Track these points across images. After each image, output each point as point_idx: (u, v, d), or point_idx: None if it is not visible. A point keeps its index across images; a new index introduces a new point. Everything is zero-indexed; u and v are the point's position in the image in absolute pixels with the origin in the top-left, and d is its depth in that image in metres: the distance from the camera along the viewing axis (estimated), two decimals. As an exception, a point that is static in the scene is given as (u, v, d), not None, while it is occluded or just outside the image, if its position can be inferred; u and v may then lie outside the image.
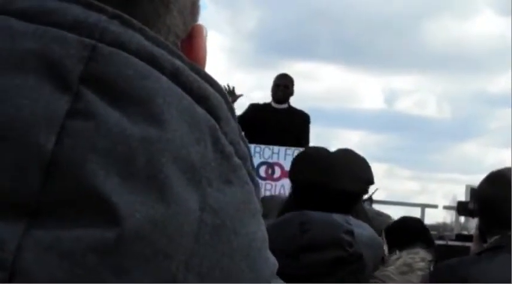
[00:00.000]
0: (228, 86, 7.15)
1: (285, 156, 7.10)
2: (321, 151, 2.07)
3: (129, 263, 0.51)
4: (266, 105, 7.27)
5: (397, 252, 1.81)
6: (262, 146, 7.05)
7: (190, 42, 0.70)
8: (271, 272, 0.61)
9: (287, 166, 6.88)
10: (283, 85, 7.19)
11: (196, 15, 0.72)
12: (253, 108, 7.26)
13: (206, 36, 0.72)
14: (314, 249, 1.74)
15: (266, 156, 7.09)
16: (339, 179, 1.91)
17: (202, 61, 0.70)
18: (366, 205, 2.47)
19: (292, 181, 2.07)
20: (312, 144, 7.29)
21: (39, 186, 0.52)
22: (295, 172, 2.05)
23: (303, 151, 2.26)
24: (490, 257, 2.29)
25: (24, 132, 0.52)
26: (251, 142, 7.04)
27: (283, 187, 6.86)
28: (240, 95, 7.27)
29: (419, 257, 1.80)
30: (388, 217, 3.18)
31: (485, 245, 2.48)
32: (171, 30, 0.67)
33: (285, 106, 7.23)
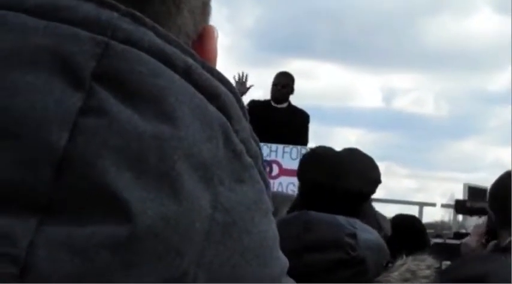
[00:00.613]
0: (242, 74, 7.11)
1: (282, 153, 7.10)
2: (328, 151, 2.06)
3: (140, 259, 0.51)
4: (266, 103, 7.24)
5: (404, 257, 1.79)
6: (260, 144, 7.04)
7: (201, 43, 0.70)
8: (282, 271, 0.61)
9: (285, 164, 6.95)
10: (280, 85, 7.17)
11: (208, 16, 0.72)
12: (253, 105, 7.25)
13: (217, 37, 0.72)
14: (316, 249, 1.74)
15: (264, 153, 7.01)
16: (346, 179, 1.90)
17: (213, 62, 0.71)
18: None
19: (300, 181, 2.06)
20: (310, 142, 7.29)
21: (51, 182, 0.52)
22: (302, 172, 2.04)
23: (310, 151, 2.27)
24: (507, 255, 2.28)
25: (36, 129, 0.52)
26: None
27: (281, 184, 6.86)
28: (251, 86, 7.24)
29: (425, 265, 1.78)
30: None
31: (491, 243, 2.49)
32: (182, 30, 0.67)
33: (284, 105, 7.21)
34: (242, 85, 7.05)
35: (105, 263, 0.51)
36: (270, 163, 7.08)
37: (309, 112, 7.42)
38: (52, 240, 0.51)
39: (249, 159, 0.59)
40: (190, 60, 0.58)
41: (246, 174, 0.58)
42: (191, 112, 0.56)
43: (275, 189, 6.75)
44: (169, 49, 0.58)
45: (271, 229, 0.60)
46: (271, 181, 6.97)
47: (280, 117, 7.06)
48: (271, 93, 7.21)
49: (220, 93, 0.59)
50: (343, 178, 1.90)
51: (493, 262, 2.27)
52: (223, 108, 0.58)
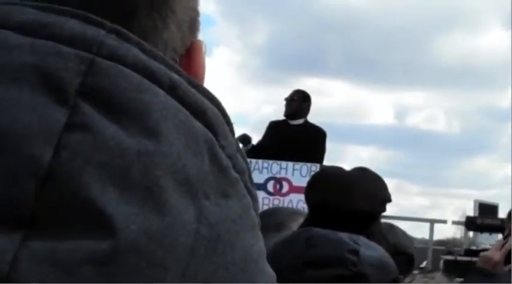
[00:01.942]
0: (245, 136, 7.16)
1: (293, 171, 7.09)
2: (337, 171, 2.06)
3: (124, 274, 0.51)
4: (283, 121, 7.26)
5: (412, 273, 1.78)
6: (270, 161, 7.05)
7: (189, 58, 0.71)
8: None
9: (295, 181, 6.94)
10: (289, 99, 7.19)
11: (196, 31, 0.72)
12: (271, 126, 7.27)
13: (205, 52, 0.72)
14: (318, 265, 1.74)
15: (274, 171, 7.08)
16: (353, 199, 1.91)
17: (200, 77, 0.71)
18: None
19: (307, 200, 2.06)
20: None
21: (35, 197, 0.52)
22: (310, 193, 2.04)
23: (319, 171, 2.28)
24: None
25: (20, 144, 0.52)
26: (269, 158, 7.04)
27: (291, 202, 6.85)
28: (253, 145, 7.27)
29: (434, 282, 1.77)
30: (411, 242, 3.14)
31: None
32: (169, 45, 0.67)
33: (300, 121, 7.21)
34: (247, 142, 7.12)
35: (88, 278, 0.51)
36: (280, 181, 7.08)
37: (320, 129, 7.41)
38: (36, 255, 0.51)
39: (235, 174, 0.59)
40: (175, 76, 0.59)
41: (231, 189, 0.58)
42: (176, 128, 0.56)
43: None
44: (155, 65, 0.58)
45: (256, 243, 0.60)
46: (281, 198, 6.97)
47: (297, 134, 7.06)
48: (286, 107, 7.22)
49: (206, 109, 0.59)
50: (350, 199, 1.90)
51: None
52: (208, 124, 0.59)
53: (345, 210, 1.89)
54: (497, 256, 2.64)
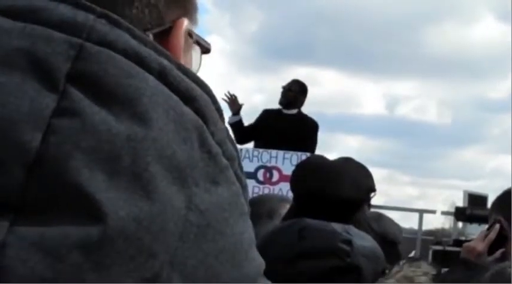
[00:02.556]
0: (230, 94, 7.14)
1: (283, 160, 7.09)
2: (322, 160, 2.06)
3: (112, 260, 0.51)
4: (277, 111, 7.24)
5: (400, 264, 1.78)
6: (261, 150, 7.04)
7: (167, 35, 0.69)
8: (258, 272, 0.61)
9: (285, 170, 6.93)
10: (286, 89, 7.18)
11: (178, 9, 0.70)
12: (265, 114, 7.25)
13: (185, 30, 0.70)
14: (311, 257, 1.73)
15: (264, 159, 7.07)
16: (338, 187, 1.90)
17: (177, 54, 0.69)
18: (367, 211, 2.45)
19: (292, 189, 2.06)
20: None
21: (23, 183, 0.51)
22: (295, 181, 2.04)
23: (303, 160, 2.27)
24: None
25: (9, 129, 0.52)
26: (260, 146, 7.03)
27: (281, 190, 6.84)
28: (243, 104, 7.25)
29: (421, 271, 1.77)
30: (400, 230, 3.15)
31: (499, 251, 2.52)
32: (134, 22, 0.65)
33: (294, 111, 7.20)
34: (235, 105, 7.07)
35: (76, 263, 0.50)
36: (270, 169, 7.08)
37: (311, 119, 7.41)
38: (24, 240, 0.50)
39: (225, 161, 0.59)
40: (165, 62, 0.58)
41: (221, 176, 0.58)
42: (165, 113, 0.56)
43: (275, 195, 6.74)
44: (144, 51, 0.58)
45: (246, 230, 0.60)
46: (271, 187, 6.97)
47: (289, 124, 7.06)
48: (282, 96, 7.20)
49: (196, 95, 0.59)
50: (335, 187, 1.90)
51: None
52: (198, 110, 0.58)
53: (330, 197, 1.88)
54: (480, 246, 2.65)
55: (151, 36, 0.67)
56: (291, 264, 1.69)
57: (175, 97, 0.57)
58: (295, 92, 7.17)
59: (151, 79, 0.57)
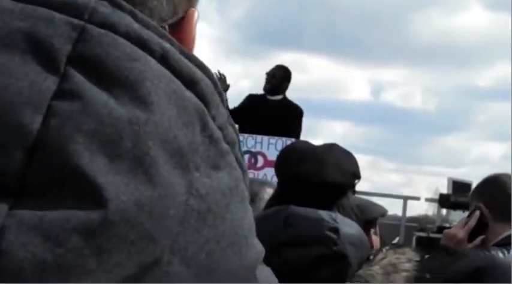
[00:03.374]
0: (219, 73, 7.12)
1: (268, 145, 7.09)
2: (306, 145, 2.05)
3: (113, 245, 0.51)
4: (262, 96, 7.23)
5: (384, 251, 1.78)
6: (246, 135, 7.03)
7: (180, 26, 0.70)
8: (257, 258, 0.61)
9: (270, 156, 6.94)
10: (270, 75, 7.17)
11: (193, 1, 0.72)
12: (250, 99, 7.24)
13: (196, 20, 0.72)
14: (297, 245, 1.72)
15: (249, 145, 7.08)
16: (323, 172, 1.89)
17: (190, 45, 0.70)
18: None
19: (277, 174, 2.05)
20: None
21: (23, 166, 0.51)
22: (279, 166, 2.03)
23: (288, 145, 2.27)
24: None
25: (9, 111, 0.52)
26: (244, 132, 7.03)
27: (265, 176, 6.85)
28: (229, 85, 7.24)
29: (405, 258, 1.77)
30: (382, 207, 3.16)
31: (479, 237, 2.55)
32: (154, 13, 0.66)
33: (279, 97, 7.19)
34: (223, 83, 7.06)
35: (76, 248, 0.50)
36: (255, 155, 7.08)
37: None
38: (23, 224, 0.50)
39: (226, 146, 0.59)
40: (167, 45, 0.58)
41: (222, 161, 0.58)
42: (167, 97, 0.55)
43: (260, 181, 6.74)
44: (147, 34, 0.57)
45: (246, 216, 0.60)
46: (256, 172, 6.97)
47: (274, 110, 7.05)
48: (266, 82, 7.19)
49: (198, 79, 0.58)
50: (319, 171, 1.89)
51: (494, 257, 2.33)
52: (200, 94, 0.58)
53: (315, 181, 1.87)
54: (460, 233, 2.67)
55: (167, 28, 0.68)
56: (276, 252, 1.68)
57: (177, 81, 0.57)
58: (279, 78, 7.17)
59: (153, 62, 0.56)
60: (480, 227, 2.65)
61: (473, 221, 2.64)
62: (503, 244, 2.49)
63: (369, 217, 2.45)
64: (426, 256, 2.79)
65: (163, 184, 0.53)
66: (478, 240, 2.65)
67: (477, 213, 2.64)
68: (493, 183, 2.71)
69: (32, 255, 0.49)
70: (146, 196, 0.52)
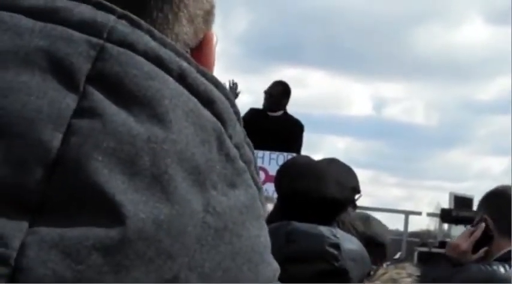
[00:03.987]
0: (233, 82, 7.16)
1: (269, 160, 7.09)
2: (306, 160, 2.05)
3: (132, 262, 0.51)
4: (263, 112, 7.23)
5: (384, 265, 1.78)
6: (249, 150, 7.03)
7: (201, 49, 0.71)
8: (273, 276, 0.61)
9: (271, 171, 6.94)
10: (268, 93, 7.17)
11: (210, 23, 0.73)
12: (251, 113, 7.24)
13: (216, 43, 0.73)
14: (299, 260, 1.72)
15: (250, 160, 7.07)
16: (322, 187, 1.89)
17: (210, 67, 0.72)
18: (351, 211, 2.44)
19: (276, 189, 2.05)
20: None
21: (43, 183, 0.51)
22: (279, 181, 2.03)
23: (288, 160, 2.27)
24: None
25: (30, 129, 0.52)
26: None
27: (267, 191, 6.83)
28: (239, 92, 7.28)
29: (406, 273, 1.77)
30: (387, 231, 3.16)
31: (482, 249, 2.54)
32: (180, 38, 0.68)
33: (279, 113, 7.19)
34: (233, 91, 7.09)
35: (96, 265, 0.50)
36: (256, 170, 7.07)
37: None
38: (43, 241, 0.50)
39: (242, 164, 0.59)
40: (184, 64, 0.58)
41: (238, 179, 0.58)
42: (185, 115, 0.56)
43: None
44: (164, 52, 0.58)
45: (262, 234, 0.60)
46: (257, 187, 6.96)
47: (274, 125, 7.05)
48: (265, 100, 7.19)
49: (215, 98, 0.59)
50: (319, 186, 1.89)
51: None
52: (217, 113, 0.58)
53: (315, 196, 1.87)
54: (464, 245, 2.64)
55: (189, 51, 0.69)
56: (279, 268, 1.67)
57: (194, 100, 0.57)
58: (277, 96, 7.16)
59: (171, 81, 0.57)
60: (484, 239, 2.62)
61: (478, 233, 2.62)
62: (505, 259, 2.47)
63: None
64: (428, 266, 2.78)
65: (180, 202, 0.54)
66: (481, 252, 2.63)
67: (482, 225, 2.61)
68: (499, 195, 2.68)
69: (52, 272, 0.50)
70: (164, 214, 0.53)
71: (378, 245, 2.82)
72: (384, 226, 3.09)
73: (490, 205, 2.68)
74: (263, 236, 0.60)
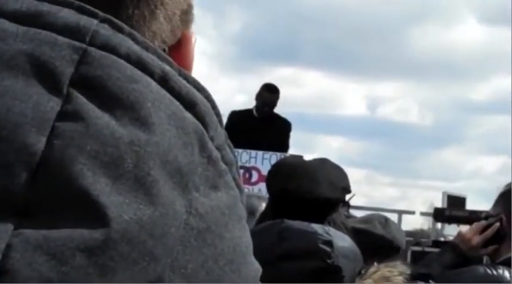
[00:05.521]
0: None
1: (262, 160, 7.09)
2: (297, 160, 2.06)
3: (116, 263, 0.52)
4: (247, 112, 7.21)
5: (375, 264, 1.79)
6: (240, 150, 7.03)
7: (179, 48, 0.72)
8: (255, 276, 0.62)
9: (264, 171, 6.94)
10: (259, 102, 7.09)
11: (189, 23, 0.74)
12: (234, 115, 7.21)
13: (195, 43, 0.74)
14: (292, 258, 1.73)
15: (243, 160, 7.07)
16: (313, 187, 1.89)
17: (188, 67, 0.72)
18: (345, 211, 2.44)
19: (268, 189, 2.05)
20: (293, 149, 7.30)
21: (28, 185, 0.52)
22: (271, 181, 2.03)
23: (279, 160, 2.28)
24: None
25: (14, 132, 0.52)
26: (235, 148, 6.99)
27: (260, 191, 6.85)
28: None
29: (397, 271, 1.78)
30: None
31: (491, 247, 2.52)
32: (157, 35, 0.68)
33: (267, 113, 7.16)
34: None
35: (80, 266, 0.51)
36: (249, 170, 7.07)
37: (292, 119, 7.41)
38: (29, 243, 0.51)
39: (224, 166, 0.60)
40: (167, 67, 0.59)
41: (220, 181, 0.59)
42: (167, 118, 0.57)
43: (254, 196, 6.73)
44: (147, 56, 0.58)
45: (244, 235, 0.61)
46: (251, 187, 6.96)
47: (262, 125, 7.04)
48: (256, 106, 7.15)
49: (196, 101, 0.59)
50: (310, 186, 1.89)
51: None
52: (199, 115, 0.59)
53: (306, 197, 1.88)
54: (475, 240, 2.59)
55: (167, 49, 0.69)
56: (272, 266, 1.68)
57: (176, 103, 0.58)
58: (268, 100, 7.09)
59: (153, 84, 0.57)
60: (496, 236, 2.57)
61: (491, 232, 2.56)
62: (507, 263, 2.43)
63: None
64: (438, 251, 2.76)
65: (163, 203, 0.54)
66: (490, 249, 2.58)
67: (497, 224, 2.55)
68: None
69: (38, 274, 0.50)
70: (148, 216, 0.53)
71: (394, 249, 2.81)
72: (401, 231, 3.08)
73: (508, 202, 2.59)
74: (245, 237, 0.61)
